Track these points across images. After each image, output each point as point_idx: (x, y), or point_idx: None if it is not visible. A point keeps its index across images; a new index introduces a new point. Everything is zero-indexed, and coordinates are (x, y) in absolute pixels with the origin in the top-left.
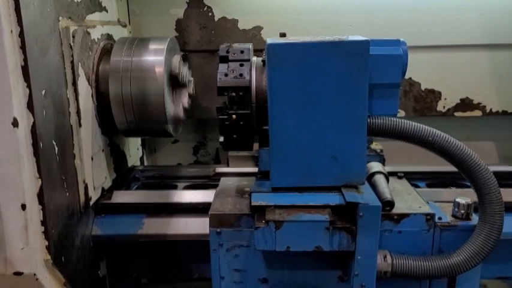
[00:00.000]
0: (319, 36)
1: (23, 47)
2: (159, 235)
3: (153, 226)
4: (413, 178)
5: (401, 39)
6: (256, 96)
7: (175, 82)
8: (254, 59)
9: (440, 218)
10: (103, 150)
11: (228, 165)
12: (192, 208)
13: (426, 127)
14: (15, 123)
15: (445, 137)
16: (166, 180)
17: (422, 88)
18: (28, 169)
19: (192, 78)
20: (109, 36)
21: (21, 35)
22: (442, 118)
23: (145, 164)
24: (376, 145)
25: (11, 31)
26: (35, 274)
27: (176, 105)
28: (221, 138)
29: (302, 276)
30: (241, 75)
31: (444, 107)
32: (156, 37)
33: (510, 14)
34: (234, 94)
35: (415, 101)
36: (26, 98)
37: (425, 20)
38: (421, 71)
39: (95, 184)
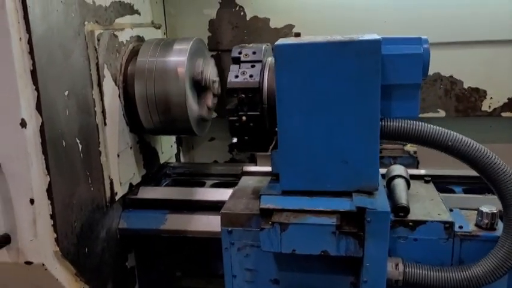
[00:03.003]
0: (331, 36)
1: (31, 52)
2: (179, 231)
3: (174, 222)
4: (449, 182)
5: (423, 37)
6: (268, 98)
7: (199, 83)
8: (269, 59)
9: (461, 227)
10: (131, 148)
11: (256, 164)
12: (213, 206)
13: (445, 130)
14: (23, 124)
15: (466, 141)
16: (196, 177)
17: (465, 86)
18: (36, 166)
19: (217, 79)
20: (139, 38)
21: (29, 41)
22: (488, 119)
23: (182, 160)
24: (411, 146)
25: (20, 39)
26: (43, 264)
27: (201, 105)
28: (234, 140)
29: (313, 280)
30: (251, 76)
31: (490, 106)
32: (182, 38)
33: None
34: (243, 95)
35: (457, 101)
36: (34, 100)
37: (468, 14)
38: (463, 68)
39: (122, 180)
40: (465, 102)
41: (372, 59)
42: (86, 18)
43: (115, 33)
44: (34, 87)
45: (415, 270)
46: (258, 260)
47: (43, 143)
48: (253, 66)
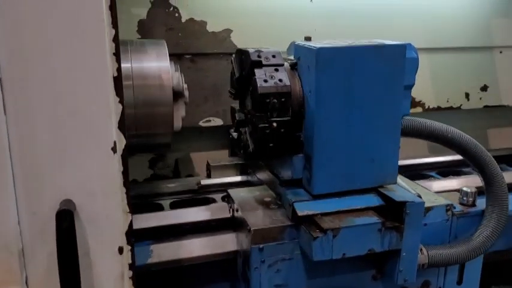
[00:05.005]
0: (352, 40)
1: (116, 54)
2: (172, 261)
3: (163, 252)
4: None
5: (411, 44)
6: (292, 102)
7: (173, 90)
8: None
9: (454, 208)
10: None
11: (208, 176)
12: (202, 227)
13: (444, 125)
14: (114, 149)
15: (460, 133)
16: (147, 198)
17: None
18: (121, 203)
19: (186, 85)
20: None
21: (115, 39)
22: None
23: None
24: None
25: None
26: None
27: (176, 115)
28: (251, 148)
29: (339, 281)
30: (280, 80)
31: None
32: (149, 40)
33: (446, 21)
34: (275, 101)
35: None
36: (117, 117)
37: (376, 27)
38: None
39: None
40: None
41: (398, 61)
42: None
43: None
44: (118, 99)
45: (436, 252)
46: (289, 274)
47: (125, 173)
48: (276, 70)
